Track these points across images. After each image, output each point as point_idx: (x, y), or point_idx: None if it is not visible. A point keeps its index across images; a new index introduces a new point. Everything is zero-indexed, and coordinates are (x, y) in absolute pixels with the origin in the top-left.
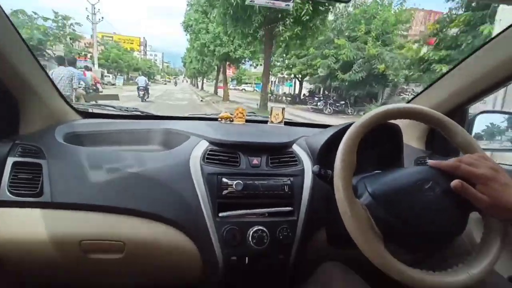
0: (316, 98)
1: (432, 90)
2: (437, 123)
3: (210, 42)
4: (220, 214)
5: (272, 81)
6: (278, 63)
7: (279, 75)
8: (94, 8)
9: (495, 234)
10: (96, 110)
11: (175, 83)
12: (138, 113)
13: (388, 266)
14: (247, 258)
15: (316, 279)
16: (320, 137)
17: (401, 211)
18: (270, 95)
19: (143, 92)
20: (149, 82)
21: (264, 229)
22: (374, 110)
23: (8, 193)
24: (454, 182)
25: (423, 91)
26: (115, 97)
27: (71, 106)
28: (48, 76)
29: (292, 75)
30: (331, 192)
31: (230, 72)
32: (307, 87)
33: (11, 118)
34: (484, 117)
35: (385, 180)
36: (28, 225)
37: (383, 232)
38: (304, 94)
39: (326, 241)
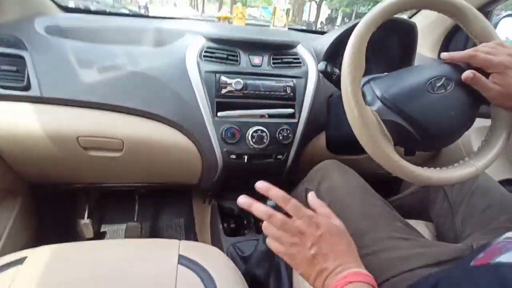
0: (337, 27)
1: None
2: (453, 9)
3: None
4: (219, 114)
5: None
6: None
7: None
8: None
9: (502, 126)
10: (78, 5)
11: (175, 4)
12: (126, 11)
13: (398, 168)
14: (245, 156)
15: (312, 176)
16: (327, 39)
17: (412, 112)
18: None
19: (144, 11)
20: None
21: (264, 129)
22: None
23: None
24: (466, 73)
25: None
26: None
27: None
28: None
29: None
30: (334, 96)
31: None
32: (324, 12)
33: None
34: (510, 22)
35: (394, 82)
36: (21, 119)
37: (392, 135)
38: (321, 22)
39: (325, 146)
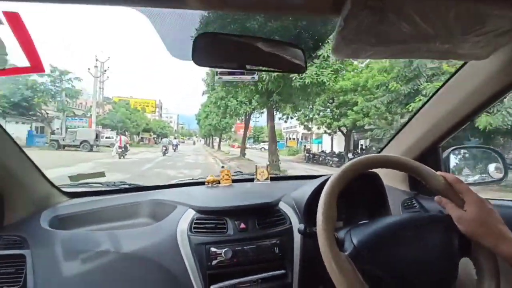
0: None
1: (401, 136)
2: (412, 170)
3: None
4: (212, 287)
5: (293, 138)
6: (319, 114)
7: (316, 129)
8: (103, 65)
9: (489, 277)
10: (82, 189)
11: (194, 142)
12: (126, 186)
13: None
14: None
15: None
16: (304, 192)
17: (385, 261)
18: (307, 154)
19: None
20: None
21: None
22: (349, 162)
23: None
24: (436, 197)
25: (392, 138)
26: (101, 174)
27: (57, 188)
28: (31, 160)
29: (336, 128)
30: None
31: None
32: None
33: None
34: (457, 153)
35: (369, 230)
36: None
37: (370, 284)
38: (356, 152)
39: None
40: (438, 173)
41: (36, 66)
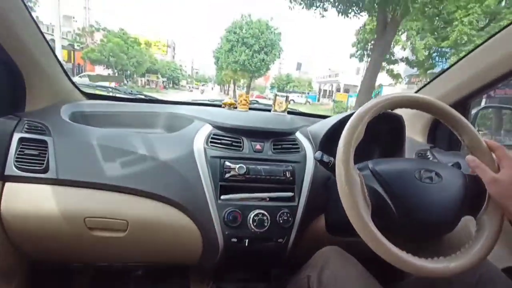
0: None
1: (438, 81)
2: (454, 122)
3: None
4: (222, 197)
5: (330, 91)
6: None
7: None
8: None
9: (490, 231)
10: (100, 92)
11: (212, 88)
12: (142, 97)
13: (368, 233)
14: (246, 240)
15: (314, 262)
16: (323, 126)
17: (395, 189)
18: None
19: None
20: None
21: (265, 212)
22: (379, 97)
23: (15, 168)
24: (469, 157)
25: (430, 81)
26: (120, 78)
27: (77, 87)
28: (55, 54)
29: None
30: (332, 180)
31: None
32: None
33: (18, 94)
34: (485, 111)
35: (388, 161)
36: (34, 200)
37: (373, 204)
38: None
39: (325, 228)
40: (484, 139)
41: None
